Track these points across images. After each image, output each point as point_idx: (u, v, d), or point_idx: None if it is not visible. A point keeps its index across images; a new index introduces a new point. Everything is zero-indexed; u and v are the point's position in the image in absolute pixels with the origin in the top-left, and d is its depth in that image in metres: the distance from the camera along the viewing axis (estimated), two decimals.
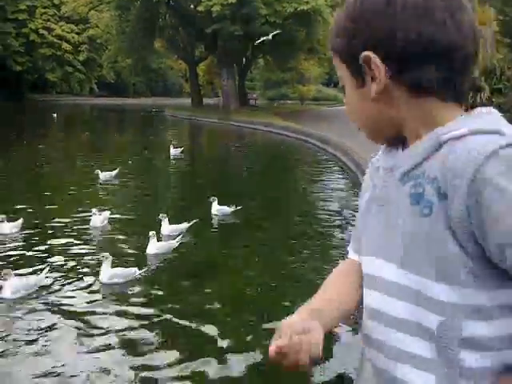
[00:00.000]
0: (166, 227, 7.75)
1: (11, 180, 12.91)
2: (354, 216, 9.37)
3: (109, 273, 5.95)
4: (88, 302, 5.59)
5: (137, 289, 5.97)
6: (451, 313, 0.91)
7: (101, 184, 12.02)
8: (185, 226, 7.85)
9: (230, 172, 15.77)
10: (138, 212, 9.90)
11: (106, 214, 8.45)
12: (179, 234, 7.53)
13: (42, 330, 4.94)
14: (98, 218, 8.20)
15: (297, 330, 0.95)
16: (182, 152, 17.20)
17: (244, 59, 45.06)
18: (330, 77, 57.31)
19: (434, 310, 0.92)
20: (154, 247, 6.91)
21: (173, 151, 16.95)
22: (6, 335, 4.81)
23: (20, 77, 60.77)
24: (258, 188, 12.80)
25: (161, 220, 7.78)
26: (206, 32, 36.87)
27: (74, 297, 5.72)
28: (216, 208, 8.98)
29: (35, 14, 61.10)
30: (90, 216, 8.26)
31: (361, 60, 0.96)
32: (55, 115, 35.23)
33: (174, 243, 7.13)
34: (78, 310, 5.38)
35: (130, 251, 7.28)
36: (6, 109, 44.82)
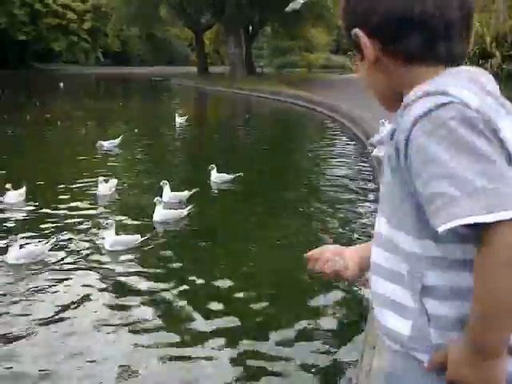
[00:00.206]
0: (167, 194, 7.69)
1: (19, 147, 12.88)
2: (360, 183, 9.28)
3: (112, 240, 5.91)
4: (89, 269, 5.58)
5: (138, 255, 5.96)
6: (414, 262, 1.00)
7: (106, 152, 11.98)
8: (185, 194, 7.79)
9: (236, 141, 15.61)
10: (144, 180, 9.85)
11: (114, 181, 8.39)
12: (179, 202, 7.53)
13: (42, 294, 4.98)
14: (105, 186, 8.16)
15: (330, 249, 1.35)
16: (186, 120, 17.04)
17: (251, 27, 44.32)
18: (338, 44, 56.31)
19: (403, 260, 1.02)
20: (159, 214, 6.85)
21: (178, 120, 16.82)
22: (5, 297, 4.85)
23: (25, 46, 60.22)
24: (264, 156, 12.67)
25: (162, 187, 7.72)
26: None
27: (75, 262, 5.72)
28: (215, 175, 8.97)
29: None
30: (96, 184, 8.23)
31: (352, 37, 1.07)
32: (62, 84, 35.10)
33: (184, 212, 7.04)
34: (79, 276, 5.39)
35: (137, 218, 7.25)
36: (12, 78, 44.65)
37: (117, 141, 12.42)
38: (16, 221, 7.13)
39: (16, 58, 59.19)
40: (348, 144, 13.57)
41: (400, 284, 1.03)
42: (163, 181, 7.79)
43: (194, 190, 7.86)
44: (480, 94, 0.95)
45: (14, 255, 5.48)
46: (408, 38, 1.01)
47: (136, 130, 15.86)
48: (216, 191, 8.89)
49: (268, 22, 44.91)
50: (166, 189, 7.71)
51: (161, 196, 7.47)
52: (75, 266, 5.64)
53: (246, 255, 6.09)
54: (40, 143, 14.06)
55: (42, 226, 6.82)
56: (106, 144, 12.19)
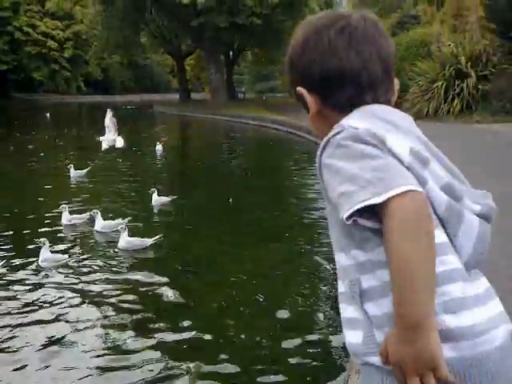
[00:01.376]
0: (99, 222, 7.87)
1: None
2: None
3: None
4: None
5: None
6: (351, 274, 1.13)
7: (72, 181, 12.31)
8: (117, 222, 7.85)
9: (217, 166, 15.51)
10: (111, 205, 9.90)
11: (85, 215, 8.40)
12: (114, 230, 7.61)
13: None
14: (66, 215, 8.24)
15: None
16: (167, 147, 17.02)
17: (231, 52, 44.73)
18: None
19: (344, 275, 1.16)
20: (124, 241, 7.03)
21: (159, 147, 16.81)
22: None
23: (5, 76, 59.94)
24: (244, 181, 12.66)
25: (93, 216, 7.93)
26: (192, 25, 36.50)
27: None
28: (155, 198, 9.45)
29: (19, 11, 60.22)
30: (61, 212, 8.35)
31: (297, 92, 1.26)
32: (48, 115, 34.93)
33: (148, 241, 7.13)
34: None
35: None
36: None
37: (84, 171, 12.67)
38: None
39: None
40: None
41: (347, 301, 1.15)
42: (94, 210, 8.00)
43: (126, 219, 7.91)
44: (370, 119, 1.14)
45: None
46: (341, 92, 1.20)
47: (119, 160, 15.75)
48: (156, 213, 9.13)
49: (248, 48, 45.37)
50: (98, 218, 7.86)
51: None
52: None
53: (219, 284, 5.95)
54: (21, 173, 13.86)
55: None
56: (73, 173, 12.48)
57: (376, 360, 1.09)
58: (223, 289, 5.92)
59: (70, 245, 7.46)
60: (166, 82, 77.42)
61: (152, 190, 9.55)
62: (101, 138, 12.53)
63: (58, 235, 7.91)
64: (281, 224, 8.52)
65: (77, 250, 7.21)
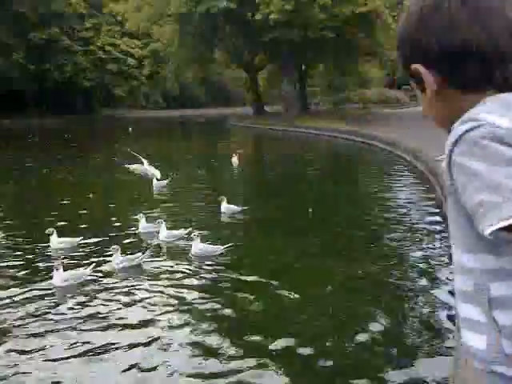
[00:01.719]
0: (164, 232, 8.37)
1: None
2: (426, 218, 9.15)
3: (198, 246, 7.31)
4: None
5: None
6: (478, 277, 1.05)
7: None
8: (181, 231, 8.38)
9: (293, 178, 15.69)
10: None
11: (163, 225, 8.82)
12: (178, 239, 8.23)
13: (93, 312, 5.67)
14: (143, 224, 8.81)
15: None
16: (239, 160, 17.36)
17: (304, 65, 45.01)
18: (393, 79, 56.18)
19: (469, 278, 1.08)
20: (198, 248, 7.47)
21: (234, 159, 17.23)
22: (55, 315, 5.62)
23: (90, 93, 63.42)
24: (322, 191, 12.75)
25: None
26: (265, 40, 37.12)
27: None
28: (224, 207, 9.84)
29: (101, 32, 63.61)
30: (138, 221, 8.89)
31: (412, 70, 1.13)
32: (130, 129, 36.70)
33: (220, 248, 7.50)
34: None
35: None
36: (79, 124, 46.98)
37: (166, 181, 13.41)
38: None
39: (82, 104, 62.44)
40: (408, 177, 13.46)
41: (471, 302, 1.09)
42: (159, 220, 8.53)
43: (188, 229, 8.31)
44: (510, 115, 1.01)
45: (58, 278, 6.41)
46: (466, 68, 1.07)
47: (199, 171, 16.34)
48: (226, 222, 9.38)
49: (320, 60, 45.47)
50: (163, 227, 8.40)
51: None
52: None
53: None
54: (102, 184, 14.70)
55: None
56: (155, 184, 13.25)
57: (503, 369, 1.05)
58: (300, 297, 6.08)
59: (144, 251, 7.77)
60: (239, 96, 78.80)
61: (221, 198, 9.97)
62: (132, 167, 12.96)
63: (134, 242, 8.40)
64: (360, 234, 8.59)
65: (149, 255, 7.55)
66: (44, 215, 10.46)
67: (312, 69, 47.01)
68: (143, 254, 7.30)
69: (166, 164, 19.33)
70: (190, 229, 8.39)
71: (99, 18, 63.46)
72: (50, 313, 5.73)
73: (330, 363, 4.53)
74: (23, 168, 18.49)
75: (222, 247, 7.44)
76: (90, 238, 8.51)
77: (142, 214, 8.90)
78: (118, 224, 9.72)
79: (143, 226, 8.75)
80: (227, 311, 5.69)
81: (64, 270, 6.54)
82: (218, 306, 5.81)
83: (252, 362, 4.57)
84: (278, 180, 14.98)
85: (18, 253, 8.01)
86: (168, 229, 8.52)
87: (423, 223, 8.94)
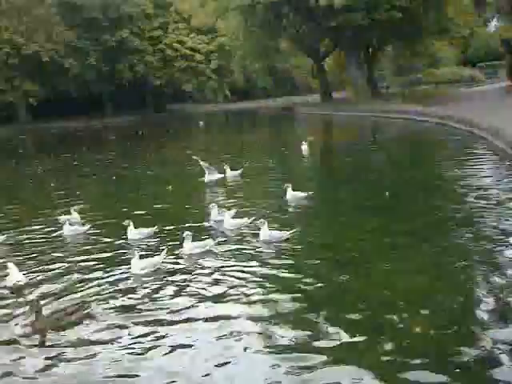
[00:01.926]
0: (228, 220, 8.54)
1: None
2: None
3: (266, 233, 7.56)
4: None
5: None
6: None
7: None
8: (244, 220, 8.52)
9: (366, 162, 15.44)
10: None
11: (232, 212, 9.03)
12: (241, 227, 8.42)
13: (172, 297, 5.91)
14: (215, 213, 9.00)
15: None
16: (313, 146, 17.31)
17: (371, 48, 44.06)
18: (465, 56, 53.92)
19: None
20: (266, 234, 7.64)
21: (304, 146, 17.18)
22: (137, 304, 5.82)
23: (160, 90, 65.20)
24: (398, 175, 12.48)
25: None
26: (330, 26, 36.61)
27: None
28: (290, 193, 9.95)
29: (168, 30, 65.10)
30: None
31: None
32: (201, 123, 37.40)
33: (286, 233, 7.67)
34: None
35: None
36: (152, 120, 48.49)
37: (238, 171, 13.67)
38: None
39: (153, 102, 64.34)
40: (489, 156, 12.91)
41: None
42: (223, 209, 8.85)
43: (251, 219, 8.45)
44: None
45: (136, 266, 6.73)
46: None
47: (270, 160, 16.44)
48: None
49: (388, 42, 44.33)
50: (226, 215, 8.61)
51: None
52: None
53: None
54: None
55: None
56: (229, 174, 13.51)
57: None
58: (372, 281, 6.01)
59: (214, 237, 7.96)
60: (305, 83, 78.27)
61: (286, 185, 10.10)
62: (206, 174, 13.09)
63: (206, 229, 8.61)
64: (437, 218, 8.27)
65: (219, 241, 7.78)
66: (123, 207, 10.95)
67: (380, 51, 45.86)
68: (214, 240, 7.55)
69: (237, 154, 19.65)
70: (254, 217, 8.50)
71: (166, 17, 64.97)
72: (131, 299, 5.99)
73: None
74: (103, 164, 19.34)
75: (288, 232, 7.60)
76: (165, 227, 8.79)
77: (213, 204, 9.09)
78: (192, 213, 10.04)
79: (214, 214, 8.96)
80: (300, 292, 5.75)
81: (140, 259, 6.81)
82: (291, 287, 5.89)
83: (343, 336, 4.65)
84: (350, 166, 14.80)
85: (100, 244, 8.43)
86: (237, 217, 8.73)
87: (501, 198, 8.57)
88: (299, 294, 5.66)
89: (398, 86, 47.86)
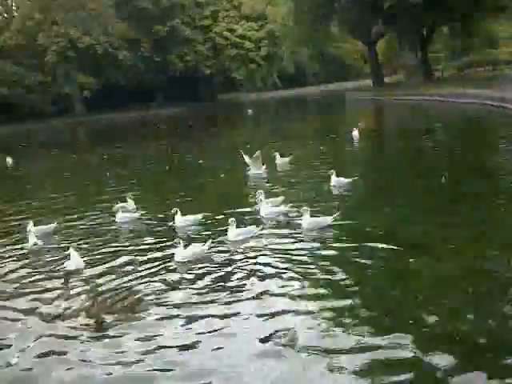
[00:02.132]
0: (264, 209, 8.56)
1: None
2: None
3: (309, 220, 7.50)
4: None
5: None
6: None
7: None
8: (280, 209, 8.56)
9: (419, 148, 15.02)
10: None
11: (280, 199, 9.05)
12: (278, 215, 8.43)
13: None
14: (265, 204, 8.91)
15: None
16: (364, 132, 17.04)
17: (425, 30, 42.75)
18: None
19: None
20: (307, 221, 7.59)
21: (355, 133, 16.94)
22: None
23: (210, 79, 65.66)
24: (453, 161, 12.11)
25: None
26: (383, 7, 35.74)
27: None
28: (334, 179, 9.96)
29: (218, 18, 65.34)
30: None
31: None
32: (250, 111, 37.46)
33: (328, 219, 7.63)
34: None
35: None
36: (202, 109, 49.00)
37: (288, 158, 13.71)
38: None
39: (203, 91, 64.84)
40: None
41: None
42: (260, 197, 8.68)
43: (289, 205, 8.51)
44: None
45: (181, 254, 6.78)
46: None
47: (320, 147, 16.31)
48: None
49: (443, 23, 42.87)
50: (263, 204, 8.58)
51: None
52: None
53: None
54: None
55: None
56: (278, 161, 13.56)
57: None
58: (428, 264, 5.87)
59: (259, 225, 7.90)
60: (356, 68, 77.02)
61: (331, 171, 10.06)
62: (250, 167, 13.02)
63: (253, 216, 8.59)
64: (494, 205, 7.96)
65: (263, 228, 7.76)
66: (174, 195, 11.13)
67: (434, 33, 44.42)
68: (258, 227, 7.57)
69: (287, 141, 19.58)
70: (291, 205, 8.55)
71: (217, 5, 65.22)
72: (176, 288, 6.01)
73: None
74: (155, 153, 19.71)
75: (331, 218, 7.54)
76: (212, 214, 8.89)
77: (260, 191, 9.08)
78: (239, 200, 10.06)
79: (260, 202, 8.91)
80: (345, 280, 5.67)
81: (185, 247, 6.86)
82: (333, 276, 5.81)
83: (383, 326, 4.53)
84: (401, 152, 14.45)
85: (150, 230, 8.64)
86: (283, 203, 8.77)
87: None
88: (350, 282, 5.59)
89: (452, 69, 46.35)
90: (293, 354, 4.29)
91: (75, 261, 6.91)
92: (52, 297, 6.07)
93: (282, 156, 13.70)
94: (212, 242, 7.08)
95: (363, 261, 6.09)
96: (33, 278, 6.77)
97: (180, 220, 8.47)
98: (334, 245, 6.85)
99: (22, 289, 6.45)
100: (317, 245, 6.89)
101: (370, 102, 36.39)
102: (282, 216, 8.43)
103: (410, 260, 5.93)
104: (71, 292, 6.17)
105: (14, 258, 7.71)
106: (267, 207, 8.60)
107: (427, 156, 13.32)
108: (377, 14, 39.30)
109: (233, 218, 7.44)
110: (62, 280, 6.56)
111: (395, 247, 6.36)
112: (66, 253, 7.01)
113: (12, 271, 7.13)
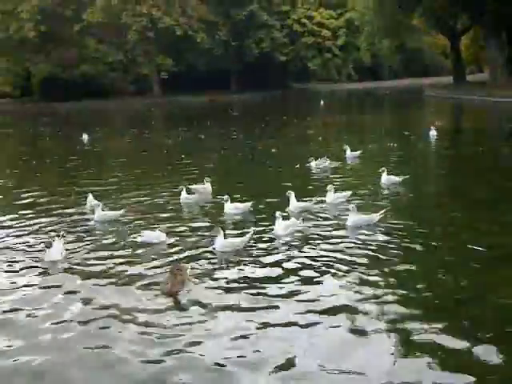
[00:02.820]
0: (293, 204, 8.40)
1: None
2: None
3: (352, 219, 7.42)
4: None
5: None
6: None
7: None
8: (307, 204, 8.53)
9: (498, 154, 14.14)
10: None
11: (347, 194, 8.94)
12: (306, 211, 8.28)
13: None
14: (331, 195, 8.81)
15: None
16: (440, 133, 16.45)
17: None
18: None
19: None
20: (352, 219, 7.47)
21: (432, 132, 16.36)
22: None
23: (285, 67, 65.10)
24: None
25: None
26: None
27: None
28: (384, 178, 9.92)
29: (296, 4, 64.58)
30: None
31: None
32: (322, 102, 36.99)
33: (375, 216, 7.45)
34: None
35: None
36: (273, 98, 48.87)
37: (358, 152, 13.54)
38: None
39: (276, 79, 64.22)
40: None
41: None
42: (289, 191, 8.46)
43: (314, 199, 8.64)
44: None
45: (219, 244, 6.70)
46: None
47: (391, 144, 15.82)
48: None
49: None
50: (292, 198, 8.37)
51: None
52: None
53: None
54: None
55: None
56: (348, 154, 13.43)
57: None
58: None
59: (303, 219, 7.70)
60: (437, 64, 74.37)
61: (382, 169, 10.02)
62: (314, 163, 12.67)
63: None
64: None
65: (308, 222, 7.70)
66: (241, 182, 11.19)
67: None
68: (302, 221, 7.43)
69: (359, 135, 19.15)
70: (319, 200, 8.62)
71: None
72: (214, 278, 5.90)
73: None
74: (228, 139, 19.68)
75: (377, 216, 7.39)
76: (266, 204, 8.92)
77: (330, 186, 8.93)
78: (300, 192, 9.77)
79: (331, 196, 8.75)
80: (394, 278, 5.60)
81: (225, 237, 6.75)
82: (380, 272, 5.73)
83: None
84: (478, 155, 13.69)
85: (204, 214, 8.83)
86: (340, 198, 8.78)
87: None
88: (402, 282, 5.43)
89: None
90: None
91: (54, 252, 6.67)
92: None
93: (352, 150, 13.46)
94: (252, 236, 6.94)
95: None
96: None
97: (229, 207, 8.50)
98: (377, 241, 6.77)
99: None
100: (357, 241, 6.83)
101: (449, 100, 35.00)
102: (340, 208, 8.38)
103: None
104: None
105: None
106: (294, 202, 8.37)
107: (500, 165, 12.49)
108: (464, 4, 37.50)
109: (279, 212, 7.31)
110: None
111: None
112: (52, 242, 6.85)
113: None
